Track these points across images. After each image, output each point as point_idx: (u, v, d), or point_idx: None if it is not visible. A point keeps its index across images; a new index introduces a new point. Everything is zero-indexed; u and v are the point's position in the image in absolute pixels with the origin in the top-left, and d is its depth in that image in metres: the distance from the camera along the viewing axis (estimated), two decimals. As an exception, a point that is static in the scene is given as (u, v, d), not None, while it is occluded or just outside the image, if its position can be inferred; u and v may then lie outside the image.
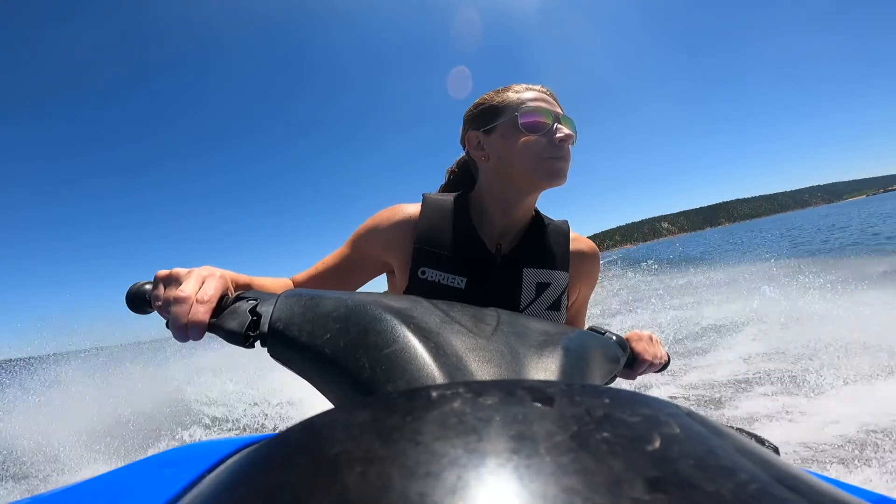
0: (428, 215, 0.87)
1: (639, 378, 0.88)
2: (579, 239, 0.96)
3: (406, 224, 0.87)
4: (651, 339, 0.86)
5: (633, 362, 0.81)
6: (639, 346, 0.83)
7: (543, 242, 0.89)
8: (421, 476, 0.15)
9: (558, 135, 0.81)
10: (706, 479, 0.15)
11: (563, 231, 0.93)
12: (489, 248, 0.85)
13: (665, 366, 0.87)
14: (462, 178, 1.01)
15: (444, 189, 1.04)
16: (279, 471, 0.17)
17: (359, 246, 0.90)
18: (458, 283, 0.82)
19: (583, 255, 0.95)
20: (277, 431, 0.23)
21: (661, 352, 0.86)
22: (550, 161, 0.80)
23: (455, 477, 0.15)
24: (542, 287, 0.86)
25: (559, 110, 0.85)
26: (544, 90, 0.87)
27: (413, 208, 0.89)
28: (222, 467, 0.25)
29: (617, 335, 0.72)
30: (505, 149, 0.83)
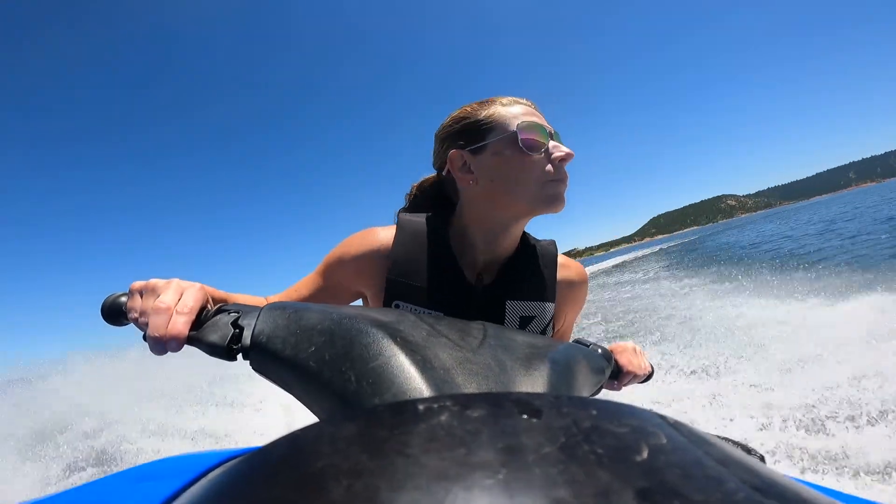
0: (403, 241, 0.79)
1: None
2: (567, 265, 0.90)
3: (378, 252, 0.80)
4: (635, 350, 0.87)
5: (618, 374, 0.83)
6: (623, 358, 0.84)
7: (529, 271, 0.83)
8: (409, 489, 0.15)
9: (558, 153, 0.74)
10: (694, 488, 0.15)
11: (550, 256, 0.87)
12: (469, 280, 0.79)
13: (649, 377, 0.88)
14: (432, 202, 0.91)
15: (411, 210, 0.94)
16: (263, 484, 0.17)
17: (329, 275, 0.83)
18: None
19: (570, 284, 0.90)
20: (260, 445, 0.23)
21: (645, 363, 0.87)
22: (552, 185, 0.74)
23: (444, 490, 0.15)
24: (526, 321, 0.81)
25: (548, 125, 0.78)
26: (530, 103, 0.80)
27: (386, 233, 0.81)
28: (203, 481, 0.25)
29: (602, 347, 0.74)
30: (499, 171, 0.75)
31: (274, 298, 0.84)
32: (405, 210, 0.95)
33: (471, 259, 0.81)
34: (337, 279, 0.83)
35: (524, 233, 0.86)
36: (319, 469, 0.17)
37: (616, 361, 0.82)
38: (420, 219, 0.83)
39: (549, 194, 0.74)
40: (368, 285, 0.82)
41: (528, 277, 0.83)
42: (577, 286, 0.92)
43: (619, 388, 0.85)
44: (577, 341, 0.76)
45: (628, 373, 0.83)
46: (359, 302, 0.94)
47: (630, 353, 0.86)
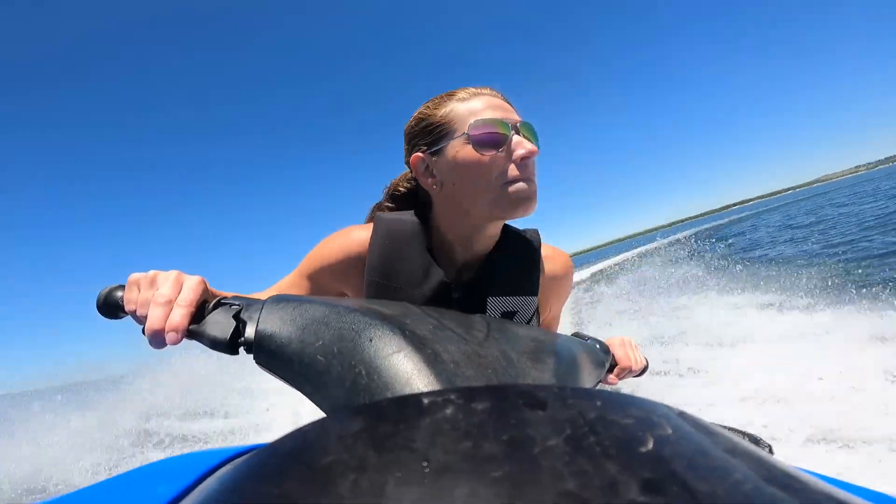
0: (379, 241, 0.76)
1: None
2: (552, 257, 0.88)
3: (356, 253, 0.78)
4: (630, 344, 0.89)
5: (612, 367, 0.84)
6: (619, 352, 0.86)
7: (510, 266, 0.80)
8: (415, 484, 0.15)
9: (518, 151, 0.67)
10: (700, 479, 0.15)
11: (532, 248, 0.83)
12: (448, 279, 0.75)
13: (643, 370, 0.90)
14: (413, 199, 0.87)
15: (391, 206, 0.90)
16: (271, 480, 0.17)
17: (310, 277, 0.82)
18: None
19: (555, 276, 0.88)
20: (267, 442, 0.23)
21: (640, 357, 0.89)
22: (514, 185, 0.67)
23: (450, 484, 0.15)
24: (508, 316, 0.79)
25: (516, 117, 0.71)
26: (494, 93, 0.74)
27: (364, 234, 0.79)
28: (212, 478, 0.25)
29: (600, 341, 0.75)
30: (457, 174, 0.70)
31: (255, 297, 0.83)
32: (382, 205, 0.92)
33: (449, 258, 0.79)
34: (318, 282, 0.82)
35: (505, 225, 0.82)
36: (326, 464, 0.17)
37: (613, 355, 0.83)
38: (396, 217, 0.80)
39: (513, 197, 0.67)
40: (349, 287, 0.81)
41: (510, 272, 0.80)
42: (562, 278, 0.90)
43: (615, 382, 0.86)
44: (576, 335, 0.76)
45: (624, 367, 0.84)
46: None
47: (626, 347, 0.87)
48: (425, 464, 0.16)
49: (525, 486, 0.15)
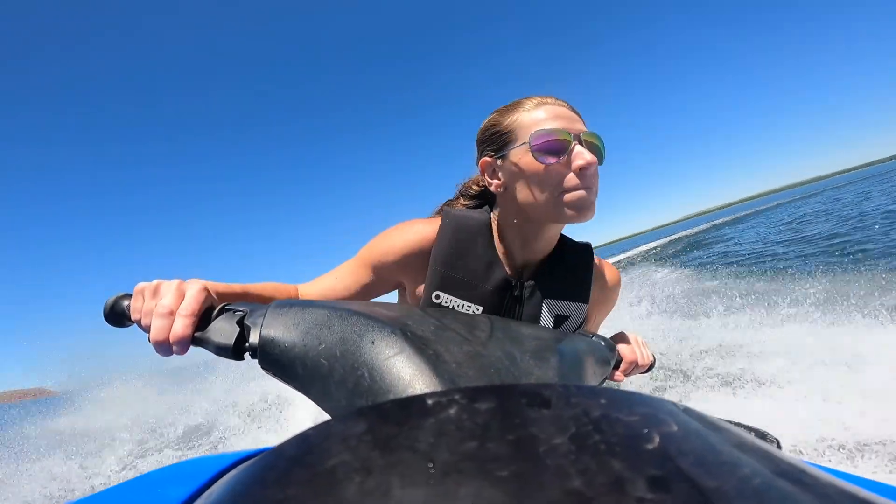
0: (447, 235, 0.82)
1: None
2: (603, 269, 0.93)
3: (420, 247, 0.83)
4: (637, 340, 0.89)
5: (619, 364, 0.84)
6: (626, 348, 0.86)
7: (567, 272, 0.85)
8: (421, 484, 0.15)
9: (577, 162, 0.71)
10: (707, 475, 0.15)
11: (586, 259, 0.88)
12: (509, 278, 0.81)
13: (651, 367, 0.89)
14: (482, 196, 0.94)
15: (462, 204, 0.97)
16: (276, 485, 0.17)
17: (371, 266, 0.85)
18: (473, 311, 0.79)
19: (604, 288, 0.93)
20: (272, 445, 0.23)
21: (647, 353, 0.89)
22: (570, 194, 0.72)
23: (455, 484, 0.15)
24: (560, 319, 0.84)
25: (581, 126, 0.75)
26: (560, 103, 0.78)
27: (430, 227, 0.84)
28: (218, 484, 0.25)
29: (605, 338, 0.74)
30: (520, 180, 0.76)
31: (306, 287, 0.87)
32: (453, 202, 0.98)
33: (510, 258, 0.84)
34: (380, 271, 0.85)
35: (562, 235, 0.88)
36: (331, 467, 0.17)
37: (618, 352, 0.82)
38: (464, 212, 0.85)
39: (571, 205, 0.72)
40: (410, 277, 0.85)
41: (566, 277, 0.85)
42: (610, 290, 0.95)
43: (621, 379, 0.86)
44: (581, 332, 0.76)
45: (631, 363, 0.84)
46: (392, 296, 0.95)
47: (633, 344, 0.87)
48: (430, 465, 0.16)
49: (531, 486, 0.15)
